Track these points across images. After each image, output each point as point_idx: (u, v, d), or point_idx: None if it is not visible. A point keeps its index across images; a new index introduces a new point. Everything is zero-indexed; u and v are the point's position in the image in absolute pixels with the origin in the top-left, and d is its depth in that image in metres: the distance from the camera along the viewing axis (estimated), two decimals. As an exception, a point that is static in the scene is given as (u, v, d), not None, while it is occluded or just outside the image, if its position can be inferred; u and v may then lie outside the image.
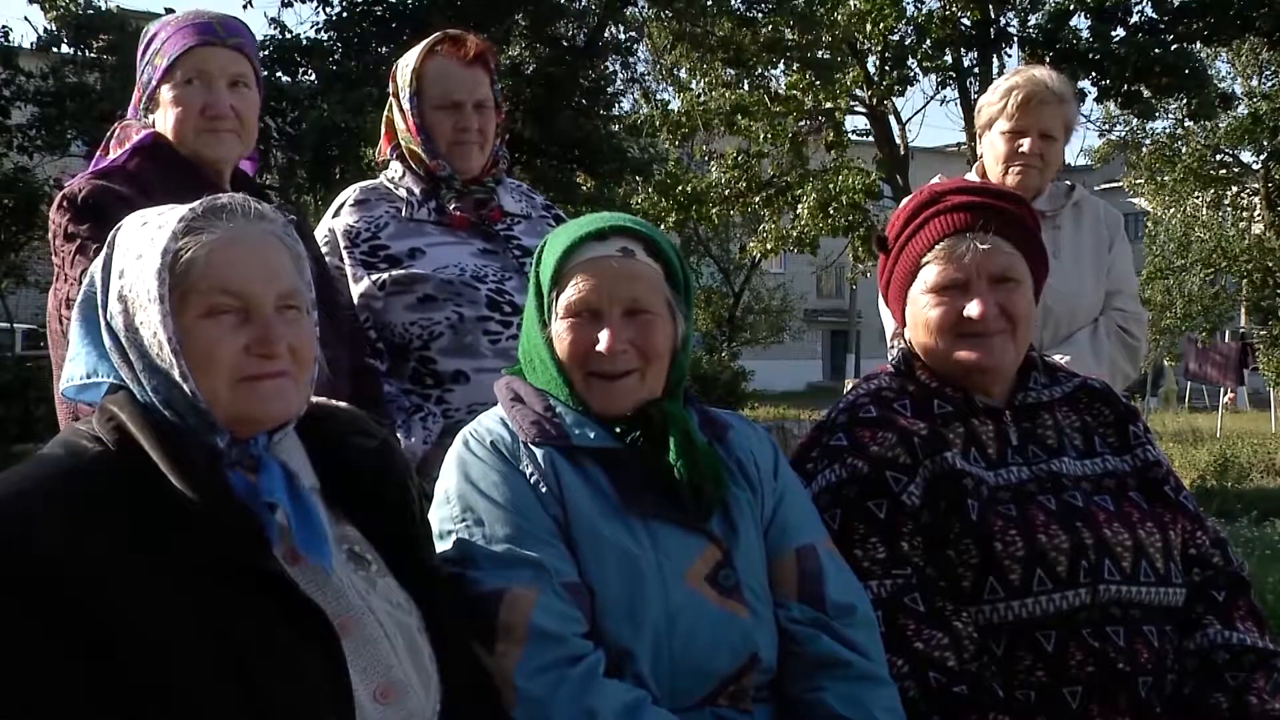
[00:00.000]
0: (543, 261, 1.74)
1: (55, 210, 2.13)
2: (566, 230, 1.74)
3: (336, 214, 2.50)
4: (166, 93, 2.21)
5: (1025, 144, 2.87)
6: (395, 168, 2.55)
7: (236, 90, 2.24)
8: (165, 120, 2.23)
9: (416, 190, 2.49)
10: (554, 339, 1.70)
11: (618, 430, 1.69)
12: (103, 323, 1.37)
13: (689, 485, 1.65)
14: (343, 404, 1.64)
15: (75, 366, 1.41)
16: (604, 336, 1.66)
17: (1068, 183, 3.11)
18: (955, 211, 1.94)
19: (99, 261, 1.39)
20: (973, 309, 1.89)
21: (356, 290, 2.39)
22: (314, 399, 1.48)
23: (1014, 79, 2.92)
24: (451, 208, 2.47)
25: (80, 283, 2.00)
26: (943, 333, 1.93)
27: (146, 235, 1.35)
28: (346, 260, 2.41)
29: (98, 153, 2.30)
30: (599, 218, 1.74)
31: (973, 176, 2.99)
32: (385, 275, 2.38)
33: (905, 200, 2.10)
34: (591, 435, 1.67)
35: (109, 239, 1.40)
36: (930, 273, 1.94)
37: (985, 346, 1.92)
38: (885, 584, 1.77)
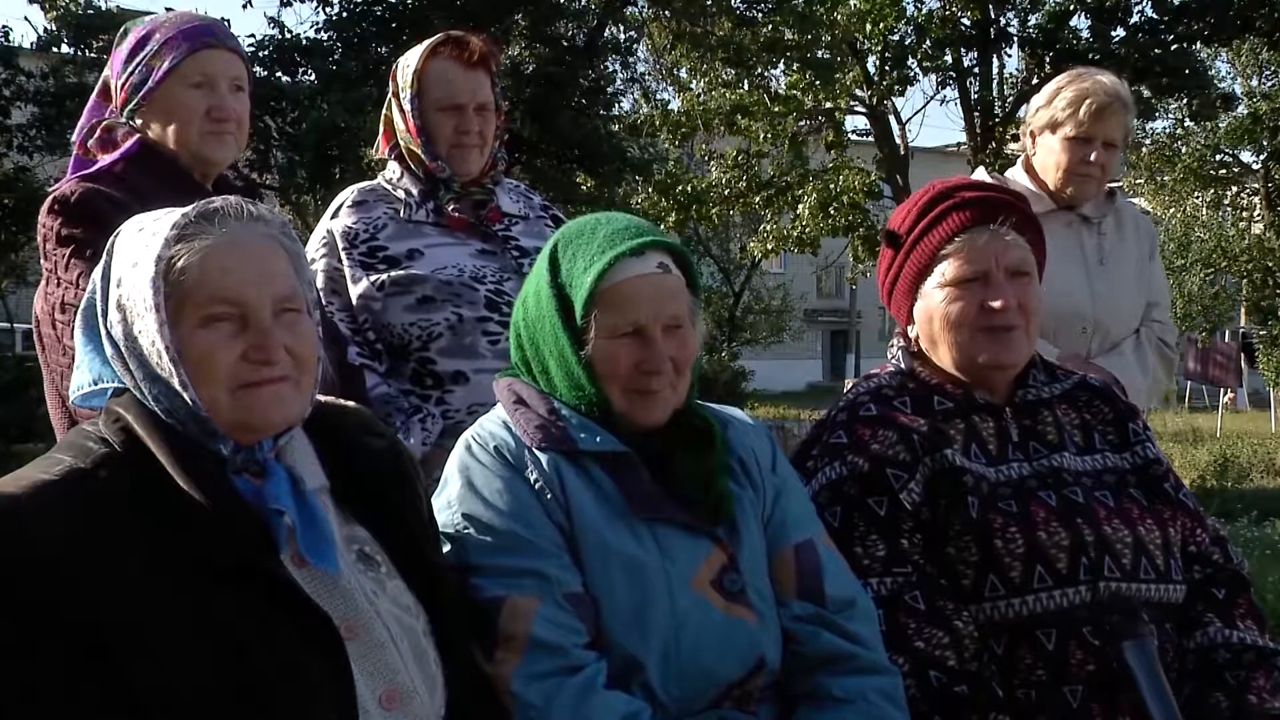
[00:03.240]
0: (567, 273, 1.68)
1: (46, 213, 2.09)
2: (594, 241, 1.67)
3: (335, 215, 2.50)
4: (171, 95, 2.19)
5: (1093, 154, 2.80)
6: (393, 168, 2.54)
7: (236, 94, 2.24)
8: (166, 122, 2.20)
9: (415, 191, 2.49)
10: (595, 358, 1.65)
11: (643, 438, 1.67)
12: (103, 331, 1.36)
13: (706, 490, 1.65)
14: (351, 403, 1.63)
15: (81, 374, 1.41)
16: (652, 355, 1.64)
17: (1108, 186, 3.03)
18: (972, 206, 1.94)
19: (99, 269, 1.37)
20: (997, 301, 1.89)
21: (355, 291, 2.38)
22: (323, 398, 1.48)
23: (1084, 84, 2.81)
24: (450, 209, 2.47)
25: (76, 285, 2.02)
26: (962, 328, 1.92)
27: (141, 242, 1.33)
28: (345, 261, 2.41)
29: (75, 149, 2.26)
30: (628, 230, 1.68)
31: (1017, 176, 2.93)
32: (384, 276, 2.37)
33: (911, 196, 2.08)
34: (598, 439, 1.64)
35: (108, 246, 1.38)
36: (949, 267, 1.93)
37: (1007, 343, 1.91)
38: (886, 582, 1.77)
